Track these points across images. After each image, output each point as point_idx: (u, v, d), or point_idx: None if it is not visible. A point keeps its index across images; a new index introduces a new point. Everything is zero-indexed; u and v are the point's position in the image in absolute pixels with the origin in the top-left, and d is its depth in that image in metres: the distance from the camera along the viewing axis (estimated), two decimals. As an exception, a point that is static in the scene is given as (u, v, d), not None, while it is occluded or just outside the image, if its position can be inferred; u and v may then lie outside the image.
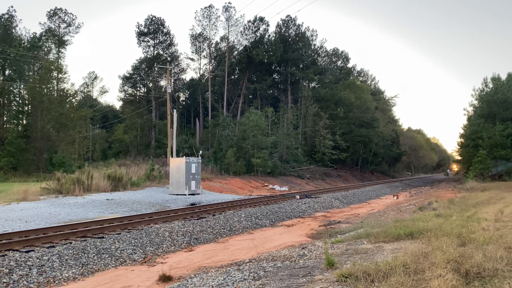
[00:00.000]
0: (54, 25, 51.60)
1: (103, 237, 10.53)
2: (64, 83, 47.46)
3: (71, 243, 9.78)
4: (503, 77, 47.35)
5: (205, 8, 53.73)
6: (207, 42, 55.83)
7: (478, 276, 4.89)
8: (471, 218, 10.47)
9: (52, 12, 51.41)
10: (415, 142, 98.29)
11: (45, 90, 40.30)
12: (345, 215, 19.23)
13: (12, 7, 55.26)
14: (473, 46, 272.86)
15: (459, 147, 52.39)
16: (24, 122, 41.22)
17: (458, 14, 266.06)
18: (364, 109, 60.40)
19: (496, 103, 43.65)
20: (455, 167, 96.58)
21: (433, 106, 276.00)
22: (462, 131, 51.22)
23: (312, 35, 59.00)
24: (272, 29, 61.50)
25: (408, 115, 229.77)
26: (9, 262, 8.08)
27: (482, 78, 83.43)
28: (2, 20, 45.52)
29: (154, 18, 54.70)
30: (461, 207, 14.13)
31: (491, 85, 47.19)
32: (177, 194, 23.76)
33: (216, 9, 54.73)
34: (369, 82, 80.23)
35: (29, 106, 42.30)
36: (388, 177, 70.17)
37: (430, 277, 4.70)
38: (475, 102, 50.00)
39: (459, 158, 55.57)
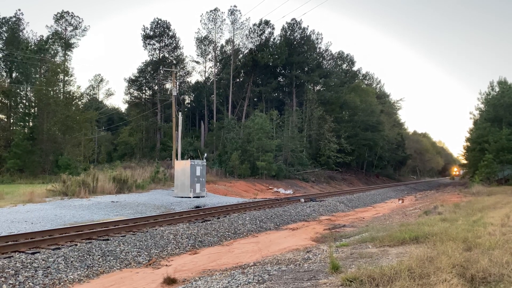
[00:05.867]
0: (61, 28, 51.97)
1: (108, 239, 10.57)
2: (70, 85, 47.90)
3: (76, 245, 9.83)
4: (510, 80, 47.05)
5: (211, 11, 53.91)
6: (213, 45, 56.03)
7: (483, 281, 4.87)
8: (477, 222, 10.40)
9: (59, 15, 51.78)
10: (421, 145, 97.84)
11: (52, 92, 40.64)
12: (350, 218, 19.17)
13: (19, 10, 55.75)
14: (480, 49, 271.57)
15: (465, 151, 52.05)
16: (31, 124, 41.57)
17: (464, 18, 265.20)
18: (369, 113, 60.20)
19: (502, 107, 43.35)
20: (455, 170, 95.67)
21: (439, 109, 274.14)
22: (468, 135, 50.89)
23: (317, 38, 58.92)
24: (277, 32, 61.68)
25: (413, 119, 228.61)
26: (15, 263, 8.14)
27: (488, 81, 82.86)
28: (10, 23, 45.93)
29: (159, 21, 55.07)
30: (467, 212, 14.04)
31: (497, 89, 46.86)
32: (182, 197, 23.80)
33: (222, 12, 54.76)
34: (374, 85, 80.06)
35: (36, 109, 42.68)
36: (394, 181, 69.89)
37: (435, 281, 4.68)
38: (481, 106, 49.63)
39: (465, 162, 55.23)
